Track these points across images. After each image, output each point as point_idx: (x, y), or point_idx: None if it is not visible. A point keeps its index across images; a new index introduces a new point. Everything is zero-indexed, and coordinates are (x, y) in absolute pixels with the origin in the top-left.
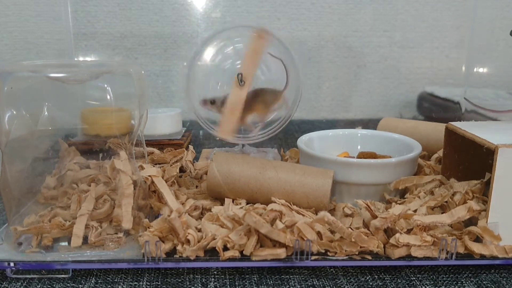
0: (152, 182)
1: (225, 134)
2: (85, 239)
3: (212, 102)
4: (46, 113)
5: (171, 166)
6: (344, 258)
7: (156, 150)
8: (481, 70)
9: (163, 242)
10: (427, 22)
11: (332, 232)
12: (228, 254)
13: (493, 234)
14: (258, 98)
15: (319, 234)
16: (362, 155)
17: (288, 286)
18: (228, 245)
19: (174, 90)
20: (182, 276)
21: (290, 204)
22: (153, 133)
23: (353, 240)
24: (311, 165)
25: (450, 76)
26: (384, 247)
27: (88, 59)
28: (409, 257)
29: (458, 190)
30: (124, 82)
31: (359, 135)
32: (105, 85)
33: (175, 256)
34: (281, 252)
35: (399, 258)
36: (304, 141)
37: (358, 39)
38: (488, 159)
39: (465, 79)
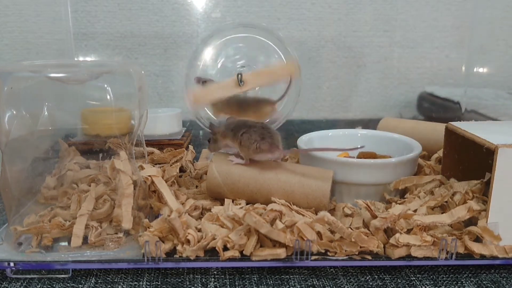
0: (152, 182)
1: (194, 99)
2: (85, 239)
3: (204, 82)
4: (46, 113)
5: (171, 166)
6: (344, 258)
7: (156, 150)
8: (481, 70)
9: (163, 242)
10: (427, 22)
11: (332, 232)
12: (228, 254)
13: (493, 234)
14: (249, 105)
15: (319, 234)
16: (362, 155)
17: (288, 286)
18: (228, 245)
19: (174, 90)
20: (182, 276)
21: (290, 204)
22: (153, 133)
23: (353, 240)
24: (311, 165)
25: (450, 76)
26: (384, 247)
27: (88, 59)
28: (409, 257)
29: (458, 190)
30: (124, 82)
31: (359, 135)
32: (105, 85)
33: (175, 256)
34: (281, 252)
35: (399, 258)
36: (304, 141)
37: (358, 39)
38: (488, 159)
39: (465, 79)
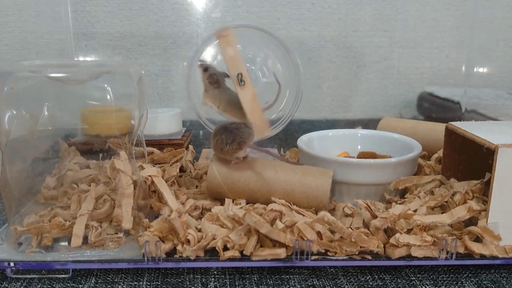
0: (152, 182)
1: (261, 133)
2: (85, 239)
3: (205, 69)
4: (46, 113)
5: (171, 166)
6: (344, 258)
7: (156, 150)
8: (481, 70)
9: (163, 242)
10: (427, 22)
11: (332, 232)
12: (228, 254)
13: (493, 234)
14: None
15: (319, 234)
16: (362, 155)
17: (288, 286)
18: (228, 245)
19: (174, 90)
20: (182, 276)
21: (290, 204)
22: (153, 133)
23: (353, 240)
24: (311, 165)
25: (450, 76)
26: (384, 247)
27: (88, 59)
28: (409, 257)
29: (458, 190)
30: (124, 82)
31: (359, 135)
32: (105, 85)
33: (175, 256)
34: (281, 252)
35: (399, 258)
36: (304, 141)
37: (358, 39)
38: (488, 159)
39: (465, 79)
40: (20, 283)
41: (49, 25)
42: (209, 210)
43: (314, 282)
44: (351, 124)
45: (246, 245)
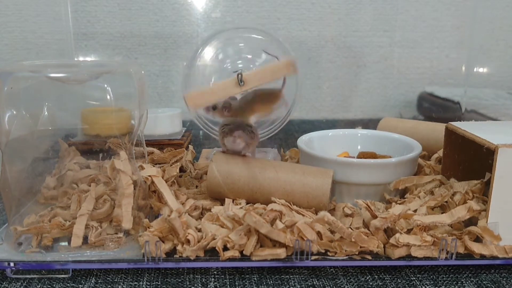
0: (152, 182)
1: (192, 101)
2: (85, 239)
3: (214, 108)
4: (46, 113)
5: (171, 166)
6: (344, 258)
7: (156, 150)
8: (481, 70)
9: (163, 242)
10: (427, 22)
11: (332, 232)
12: (228, 254)
13: (493, 234)
14: (257, 99)
15: (319, 234)
16: (362, 155)
17: (288, 286)
18: (228, 245)
19: (174, 90)
20: (182, 276)
21: (290, 204)
22: (153, 133)
23: (353, 240)
24: (311, 165)
25: (450, 76)
26: (384, 247)
27: (88, 59)
28: (409, 257)
29: (458, 190)
30: (124, 82)
31: (359, 135)
32: (105, 85)
33: (175, 256)
34: (281, 252)
35: (399, 258)
36: (304, 141)
37: (358, 39)
38: (488, 159)
39: (465, 79)
40: (20, 283)
41: (49, 25)
42: (209, 210)
43: (314, 282)
44: (351, 124)
45: (246, 245)
